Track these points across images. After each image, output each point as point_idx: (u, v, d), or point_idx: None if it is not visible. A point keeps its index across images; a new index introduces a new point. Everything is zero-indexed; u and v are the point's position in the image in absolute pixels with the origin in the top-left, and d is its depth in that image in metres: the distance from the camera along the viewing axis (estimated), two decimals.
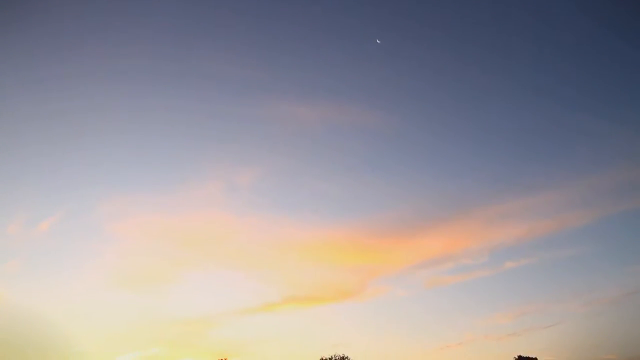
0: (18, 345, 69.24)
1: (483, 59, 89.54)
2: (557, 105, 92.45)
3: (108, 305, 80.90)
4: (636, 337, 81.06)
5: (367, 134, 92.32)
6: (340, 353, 47.80)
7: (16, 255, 73.02)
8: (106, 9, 78.12)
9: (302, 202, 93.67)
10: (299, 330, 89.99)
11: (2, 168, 70.74)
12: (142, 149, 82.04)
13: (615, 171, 78.48)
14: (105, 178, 78.85)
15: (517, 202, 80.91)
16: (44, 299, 76.04)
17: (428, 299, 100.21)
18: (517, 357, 48.55)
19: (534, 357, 48.01)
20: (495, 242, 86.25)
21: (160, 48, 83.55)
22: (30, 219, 70.48)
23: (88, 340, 75.00)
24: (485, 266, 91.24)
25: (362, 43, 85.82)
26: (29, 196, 69.56)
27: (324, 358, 47.49)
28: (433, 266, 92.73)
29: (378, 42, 79.49)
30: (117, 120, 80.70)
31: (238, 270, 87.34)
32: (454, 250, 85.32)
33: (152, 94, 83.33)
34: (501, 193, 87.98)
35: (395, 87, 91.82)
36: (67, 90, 77.63)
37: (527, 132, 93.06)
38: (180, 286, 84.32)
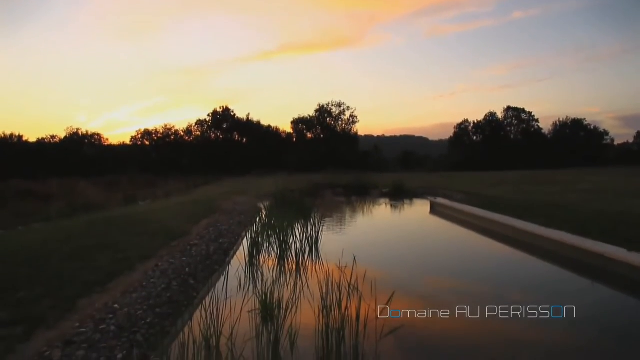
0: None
1: None
2: None
3: (105, 57, 76.67)
4: (621, 92, 79.32)
5: None
6: (337, 99, 48.99)
7: None
8: None
9: None
10: (297, 78, 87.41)
11: None
12: None
13: None
14: None
15: None
16: (37, 52, 70.63)
17: (426, 49, 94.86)
18: (506, 107, 49.15)
19: (522, 107, 48.66)
20: None
21: None
22: None
23: (90, 93, 73.13)
24: (490, 15, 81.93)
25: None
26: None
27: (322, 104, 47.71)
28: (435, 13, 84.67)
29: None
30: None
31: (232, 16, 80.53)
32: None
33: None
34: None
35: None
36: None
37: None
38: (175, 35, 79.38)
